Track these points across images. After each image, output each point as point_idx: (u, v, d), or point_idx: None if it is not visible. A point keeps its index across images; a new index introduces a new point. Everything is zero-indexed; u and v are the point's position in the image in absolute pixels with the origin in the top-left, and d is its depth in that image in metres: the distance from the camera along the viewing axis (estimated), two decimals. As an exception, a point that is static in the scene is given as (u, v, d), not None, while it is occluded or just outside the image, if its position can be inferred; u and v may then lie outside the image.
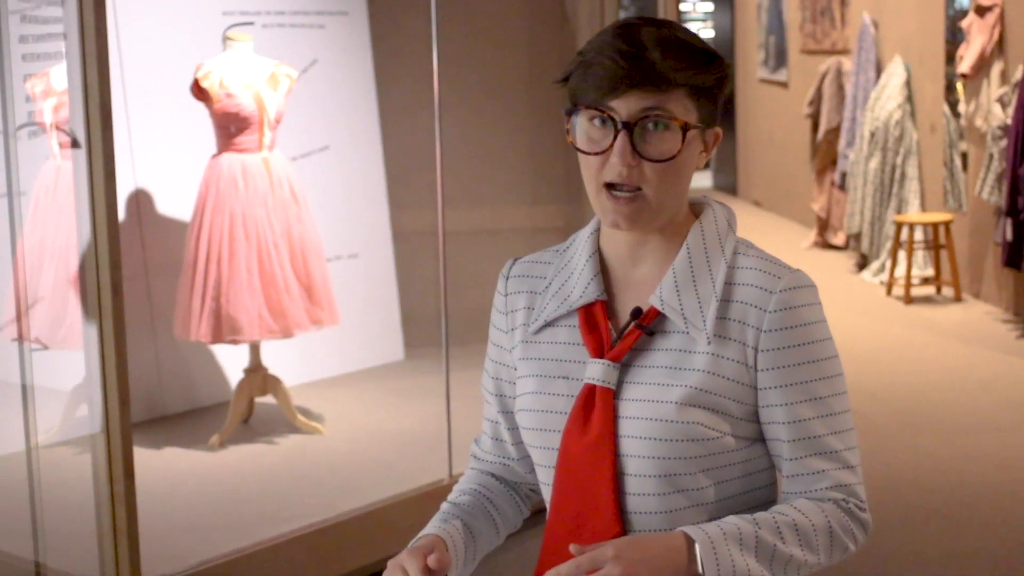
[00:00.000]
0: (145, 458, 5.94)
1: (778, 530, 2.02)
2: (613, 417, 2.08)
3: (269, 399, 6.80)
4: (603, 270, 2.18)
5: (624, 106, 2.02)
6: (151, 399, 6.86)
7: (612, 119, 2.03)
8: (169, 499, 5.81)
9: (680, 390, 2.05)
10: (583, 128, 2.07)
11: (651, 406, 2.06)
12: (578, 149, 2.08)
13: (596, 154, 2.05)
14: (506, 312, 2.27)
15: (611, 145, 2.03)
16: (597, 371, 2.10)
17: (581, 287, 2.16)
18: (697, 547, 1.96)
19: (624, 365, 2.10)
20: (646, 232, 2.12)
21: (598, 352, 2.11)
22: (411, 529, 5.48)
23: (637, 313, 2.11)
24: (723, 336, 2.07)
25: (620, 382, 2.09)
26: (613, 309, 2.16)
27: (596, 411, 2.09)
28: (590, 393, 2.10)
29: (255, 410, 6.86)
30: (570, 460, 2.11)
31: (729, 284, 2.10)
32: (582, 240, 2.22)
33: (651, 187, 2.04)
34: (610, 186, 2.06)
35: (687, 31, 2.09)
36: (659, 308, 2.09)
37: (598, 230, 2.20)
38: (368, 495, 5.54)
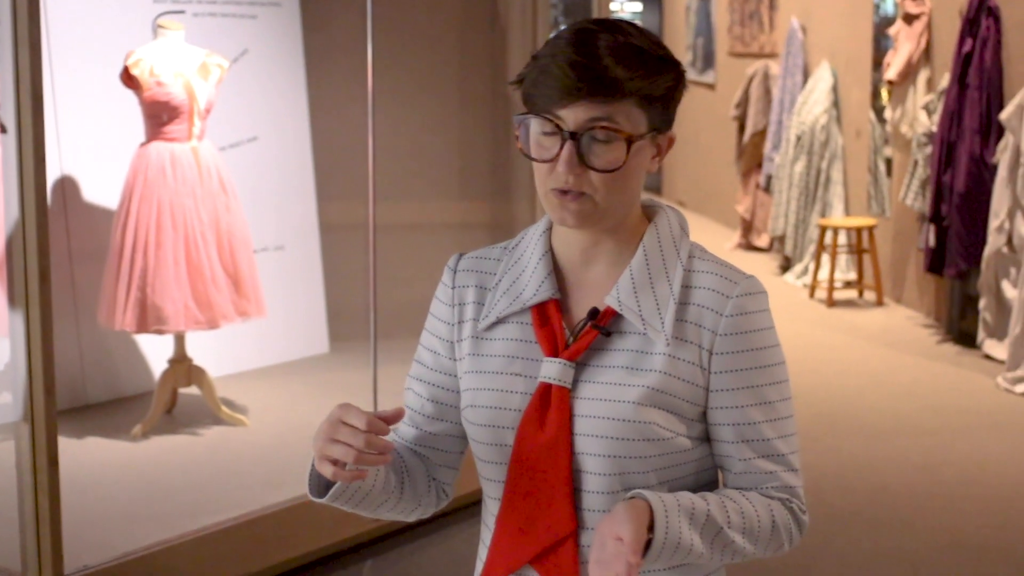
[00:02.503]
0: (68, 447, 5.88)
1: (727, 514, 2.05)
2: (569, 415, 2.08)
3: (193, 390, 6.76)
4: (555, 269, 2.18)
5: (572, 116, 2.03)
6: (74, 388, 6.79)
7: (559, 129, 2.04)
8: (92, 489, 5.76)
9: (637, 390, 2.06)
10: (534, 135, 2.08)
11: (608, 405, 2.07)
12: (527, 155, 2.09)
13: (544, 161, 2.06)
14: (452, 304, 2.25)
15: (558, 154, 2.04)
16: (553, 370, 2.10)
17: (534, 285, 2.16)
18: (653, 512, 1.97)
19: (580, 364, 2.11)
20: (596, 232, 2.13)
21: (552, 351, 2.12)
22: (335, 523, 5.47)
23: (594, 313, 2.11)
24: (679, 338, 2.09)
25: (576, 381, 2.10)
26: (566, 308, 2.16)
27: (552, 409, 2.09)
28: (546, 391, 2.10)
29: (179, 401, 6.81)
30: (525, 457, 2.10)
31: (686, 287, 2.12)
32: (533, 238, 2.22)
33: (597, 193, 2.05)
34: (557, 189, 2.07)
35: (644, 36, 2.08)
36: (616, 309, 2.10)
37: (550, 229, 2.21)
38: (292, 489, 5.50)
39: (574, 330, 2.13)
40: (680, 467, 2.10)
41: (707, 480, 2.16)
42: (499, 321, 2.19)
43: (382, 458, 2.00)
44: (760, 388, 2.10)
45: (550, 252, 2.19)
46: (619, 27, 2.07)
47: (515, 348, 2.16)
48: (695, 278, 2.12)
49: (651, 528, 1.97)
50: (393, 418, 2.02)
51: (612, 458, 2.06)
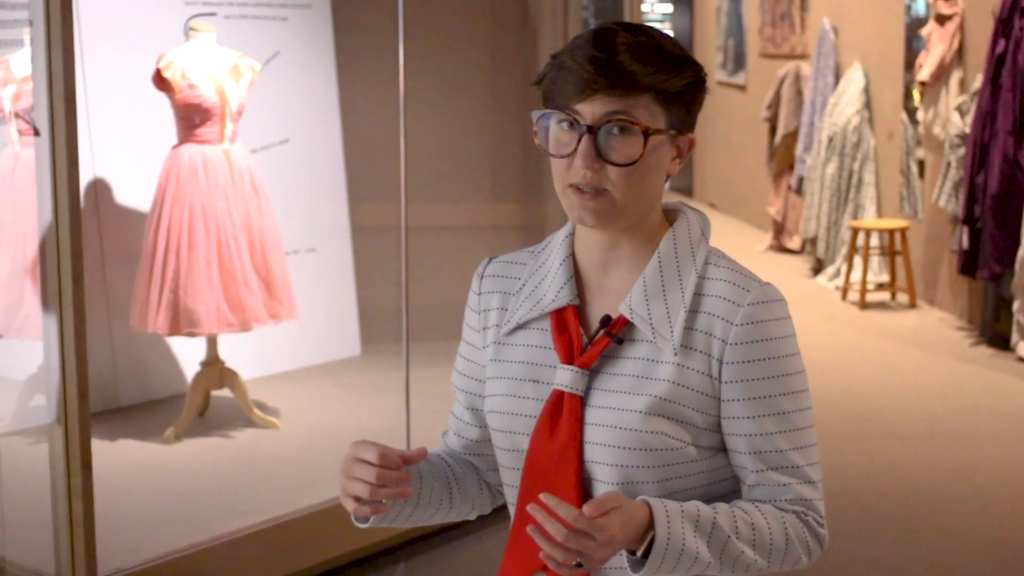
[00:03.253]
0: (100, 450, 5.86)
1: (735, 525, 2.04)
2: (580, 423, 2.08)
3: (225, 392, 6.76)
4: (576, 274, 2.18)
5: (589, 110, 2.04)
6: (106, 390, 6.80)
7: (577, 123, 2.04)
8: (124, 492, 5.76)
9: (645, 399, 2.06)
10: (553, 131, 2.09)
11: (617, 414, 2.07)
12: (545, 152, 2.09)
13: (562, 156, 2.07)
14: (479, 311, 2.27)
15: (576, 148, 2.05)
16: (566, 377, 2.10)
17: (554, 291, 2.17)
18: (654, 518, 1.97)
19: (593, 372, 2.11)
20: (615, 232, 2.13)
21: (568, 358, 2.12)
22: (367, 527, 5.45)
23: (607, 321, 2.11)
24: (689, 347, 2.08)
25: (588, 389, 2.10)
26: (585, 314, 2.17)
27: (564, 417, 2.10)
28: (558, 399, 2.11)
29: (211, 403, 6.82)
30: (536, 464, 2.11)
31: (698, 295, 2.10)
32: (557, 242, 2.22)
33: (616, 189, 2.06)
34: (575, 185, 2.07)
35: (666, 37, 2.09)
36: (628, 317, 2.10)
37: (573, 233, 2.21)
38: (324, 491, 5.50)
39: (589, 338, 2.13)
40: (689, 477, 2.09)
41: (722, 491, 2.14)
42: (520, 326, 2.20)
43: (398, 491, 2.04)
44: (773, 399, 2.08)
45: (571, 257, 2.19)
46: (639, 28, 2.08)
47: (534, 354, 2.17)
48: (708, 285, 2.11)
49: (651, 529, 1.97)
50: (415, 458, 2.08)
51: (619, 467, 2.06)
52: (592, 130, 2.03)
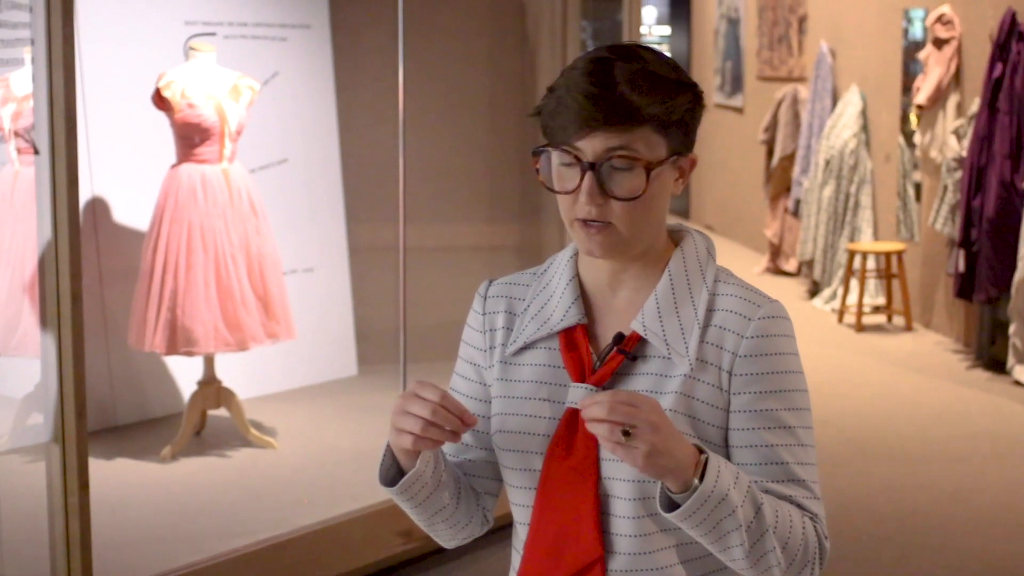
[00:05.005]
0: (97, 468, 5.87)
1: (776, 516, 2.02)
2: (596, 441, 2.07)
3: (222, 412, 6.76)
4: (582, 295, 2.19)
5: (590, 146, 2.04)
6: (104, 409, 6.80)
7: (579, 160, 2.05)
8: (121, 510, 5.76)
9: None
10: (555, 166, 2.09)
11: None
12: (549, 188, 2.10)
13: (566, 193, 2.07)
14: (483, 331, 2.26)
15: (579, 184, 2.05)
16: (580, 395, 2.10)
17: (562, 311, 2.17)
18: (707, 462, 1.95)
19: (606, 389, 2.10)
20: (623, 259, 2.14)
21: (579, 376, 2.12)
22: (364, 546, 5.46)
23: (620, 338, 2.11)
24: (702, 360, 2.09)
25: None
26: (592, 333, 2.17)
27: (579, 435, 2.09)
28: (573, 417, 2.10)
29: (208, 423, 6.82)
30: (552, 482, 2.11)
31: (710, 310, 2.12)
32: (561, 264, 2.23)
33: (621, 222, 2.07)
34: (582, 219, 2.08)
35: (661, 61, 2.08)
36: (641, 333, 2.11)
37: (577, 255, 2.21)
38: (321, 511, 5.51)
39: (600, 355, 2.13)
40: None
41: None
42: (527, 346, 2.20)
43: (450, 435, 2.02)
44: (778, 412, 2.09)
45: (577, 278, 2.20)
46: (634, 53, 2.08)
47: (543, 373, 2.17)
48: (719, 301, 2.12)
49: (700, 475, 1.95)
50: (468, 421, 2.03)
51: (637, 483, 2.06)
52: (594, 167, 2.03)
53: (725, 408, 2.09)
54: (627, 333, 2.12)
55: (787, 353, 2.11)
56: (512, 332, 2.22)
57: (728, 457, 2.12)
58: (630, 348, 2.11)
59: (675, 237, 2.20)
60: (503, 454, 2.18)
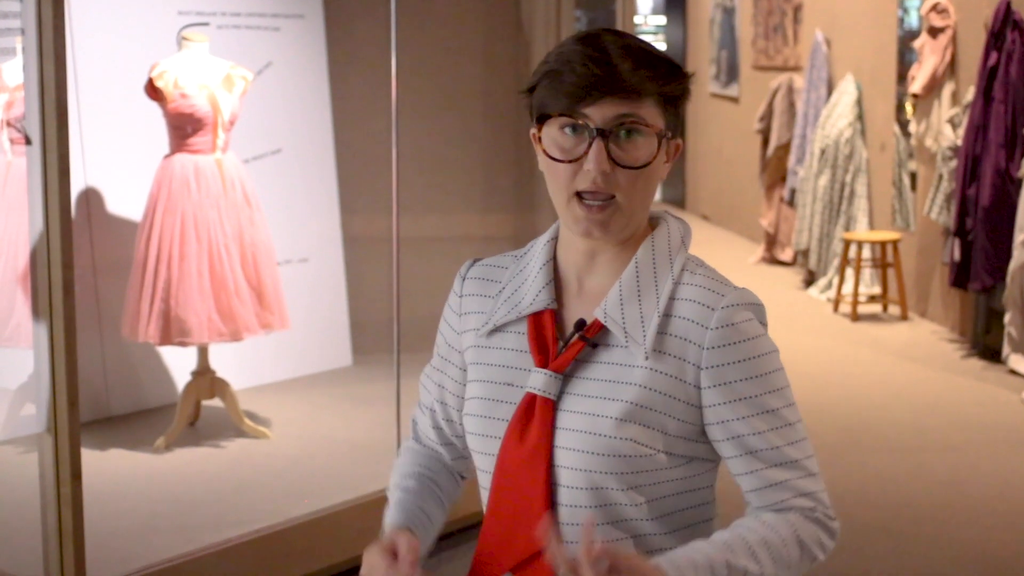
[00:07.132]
0: (90, 459, 5.87)
1: (751, 551, 2.01)
2: (551, 428, 2.07)
3: (216, 402, 6.75)
4: (556, 279, 2.17)
5: (598, 113, 2.02)
6: (97, 400, 6.79)
7: (586, 126, 2.02)
8: (114, 501, 5.75)
9: (619, 405, 2.04)
10: (553, 137, 2.06)
11: (589, 419, 2.05)
12: (550, 157, 2.06)
13: (569, 162, 2.04)
14: (460, 313, 2.27)
15: (585, 153, 2.03)
16: (539, 381, 2.09)
17: (532, 294, 2.16)
18: None
19: (567, 376, 2.09)
20: (605, 244, 2.12)
21: (543, 361, 2.11)
22: (358, 536, 5.45)
23: (581, 325, 2.10)
24: (662, 351, 2.06)
25: (561, 393, 2.09)
26: (562, 319, 2.15)
27: (535, 421, 2.08)
28: (531, 402, 2.09)
29: (202, 413, 6.81)
30: (507, 467, 2.10)
31: (672, 299, 2.09)
32: (539, 246, 2.22)
33: (624, 195, 2.04)
34: (580, 195, 2.05)
35: (646, 42, 2.09)
36: (602, 321, 2.09)
37: (555, 238, 2.20)
38: (315, 501, 5.50)
39: (565, 341, 2.12)
40: (658, 485, 2.07)
41: (694, 502, 2.12)
42: (498, 329, 2.19)
43: None
44: (759, 398, 2.06)
45: (552, 261, 2.18)
46: (625, 33, 2.08)
47: (511, 357, 2.16)
48: (683, 291, 2.10)
49: None
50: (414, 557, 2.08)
51: (587, 472, 2.04)
52: (603, 133, 2.01)
53: (693, 403, 2.07)
54: (590, 320, 2.11)
55: (755, 337, 2.08)
56: (485, 315, 2.22)
57: (699, 452, 2.10)
58: (592, 335, 2.09)
59: (652, 223, 2.18)
60: (471, 438, 2.19)
